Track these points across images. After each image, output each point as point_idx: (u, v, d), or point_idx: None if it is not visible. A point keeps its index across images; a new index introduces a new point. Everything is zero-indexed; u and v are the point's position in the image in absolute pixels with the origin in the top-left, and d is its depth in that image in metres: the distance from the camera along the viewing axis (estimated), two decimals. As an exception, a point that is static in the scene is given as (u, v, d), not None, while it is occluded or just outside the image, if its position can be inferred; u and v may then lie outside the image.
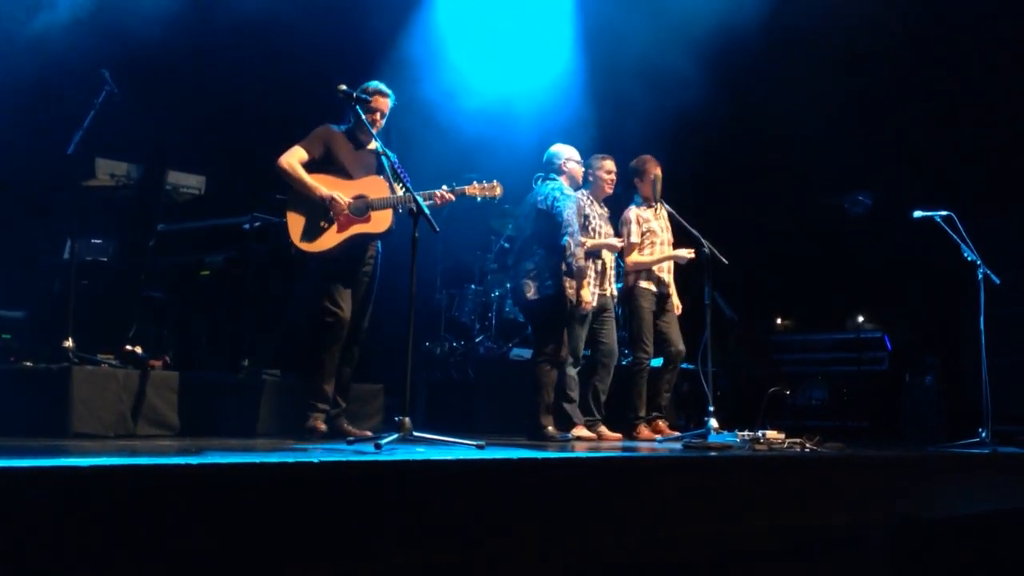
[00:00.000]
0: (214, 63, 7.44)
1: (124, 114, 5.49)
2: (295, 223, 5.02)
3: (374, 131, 5.11)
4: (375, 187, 5.06)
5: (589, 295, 6.00)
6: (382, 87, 5.25)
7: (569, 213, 5.92)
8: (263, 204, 6.26)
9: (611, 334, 6.38)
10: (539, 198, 6.06)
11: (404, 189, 4.75)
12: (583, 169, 6.33)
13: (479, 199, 5.28)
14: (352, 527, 2.72)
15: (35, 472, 2.27)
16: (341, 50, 7.61)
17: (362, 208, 5.03)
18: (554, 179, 6.14)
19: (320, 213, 5.02)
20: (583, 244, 6.05)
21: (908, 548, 4.55)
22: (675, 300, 6.71)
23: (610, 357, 6.35)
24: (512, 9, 9.03)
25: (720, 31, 8.45)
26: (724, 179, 9.38)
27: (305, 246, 5.00)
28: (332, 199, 4.99)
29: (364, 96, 5.05)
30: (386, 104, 5.24)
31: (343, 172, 5.11)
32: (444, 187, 5.17)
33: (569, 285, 5.90)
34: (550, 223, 5.94)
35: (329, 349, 5.04)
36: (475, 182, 5.25)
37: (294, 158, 5.05)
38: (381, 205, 5.02)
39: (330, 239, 5.02)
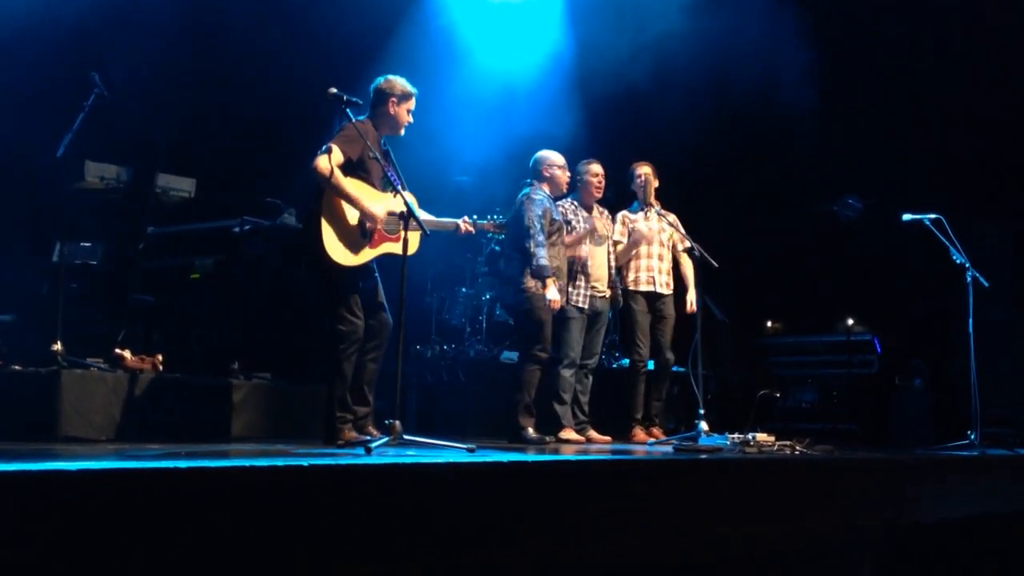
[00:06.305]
0: (204, 65, 7.42)
1: (113, 117, 5.48)
2: (329, 235, 4.69)
3: (400, 132, 5.02)
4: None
5: (553, 293, 5.93)
6: (408, 86, 5.02)
7: (531, 216, 5.97)
8: (253, 207, 6.26)
9: (595, 339, 6.42)
10: (515, 204, 6.12)
11: (395, 194, 4.72)
12: (567, 175, 6.33)
13: (489, 235, 5.34)
14: (342, 531, 2.72)
15: (24, 476, 2.26)
16: (333, 52, 7.59)
17: (394, 226, 4.80)
18: (532, 184, 6.17)
19: (356, 226, 4.80)
20: (552, 244, 6.04)
21: (897, 551, 4.57)
22: (692, 303, 6.64)
23: (590, 359, 6.37)
24: (505, 17, 9.03)
25: (711, 40, 8.49)
26: (714, 182, 9.39)
27: (339, 260, 4.72)
28: (375, 216, 4.77)
29: (382, 106, 4.89)
30: (412, 104, 5.04)
31: (368, 179, 4.87)
32: (465, 218, 5.17)
33: (535, 285, 5.93)
34: (520, 227, 6.01)
35: (349, 358, 4.85)
36: (490, 218, 5.29)
37: (336, 164, 4.66)
38: (413, 227, 4.71)
39: (364, 255, 4.83)
